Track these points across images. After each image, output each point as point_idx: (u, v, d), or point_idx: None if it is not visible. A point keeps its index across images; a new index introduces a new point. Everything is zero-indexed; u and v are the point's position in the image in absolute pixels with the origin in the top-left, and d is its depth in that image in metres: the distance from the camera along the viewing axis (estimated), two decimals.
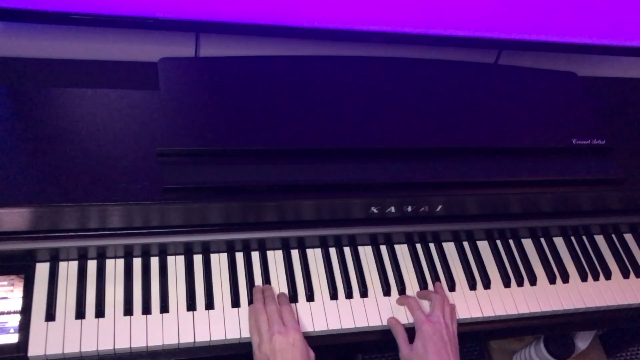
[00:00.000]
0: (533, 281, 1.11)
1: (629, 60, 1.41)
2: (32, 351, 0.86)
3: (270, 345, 0.87)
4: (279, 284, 1.01)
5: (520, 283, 1.10)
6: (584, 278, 1.13)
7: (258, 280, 1.00)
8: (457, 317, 1.02)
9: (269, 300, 0.96)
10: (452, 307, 1.01)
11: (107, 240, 0.94)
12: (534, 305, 1.07)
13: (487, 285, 1.08)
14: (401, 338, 0.97)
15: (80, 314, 0.91)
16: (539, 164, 1.08)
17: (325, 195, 0.97)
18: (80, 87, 1.01)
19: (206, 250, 1.01)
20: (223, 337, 0.93)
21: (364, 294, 1.02)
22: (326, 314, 0.99)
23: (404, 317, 1.01)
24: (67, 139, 0.93)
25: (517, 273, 1.11)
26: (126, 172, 0.91)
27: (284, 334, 0.88)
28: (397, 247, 1.10)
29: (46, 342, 0.87)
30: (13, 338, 0.87)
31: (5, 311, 0.89)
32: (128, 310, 0.93)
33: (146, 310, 0.93)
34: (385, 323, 1.00)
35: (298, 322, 0.94)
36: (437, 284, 1.06)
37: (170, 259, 1.00)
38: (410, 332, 0.97)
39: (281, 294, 0.99)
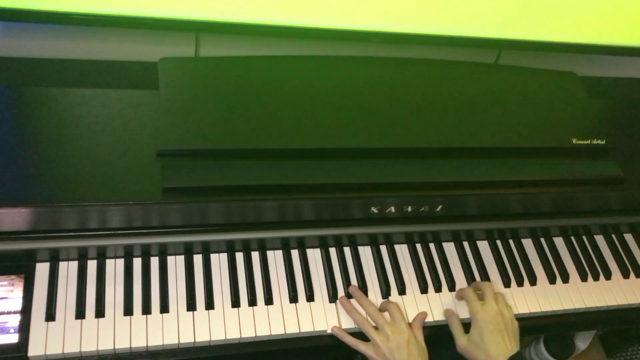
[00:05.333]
0: (533, 281, 1.11)
1: (629, 60, 1.41)
2: (32, 351, 0.86)
3: (387, 344, 0.91)
4: (279, 284, 1.01)
5: (520, 283, 1.10)
6: (584, 278, 1.13)
7: (258, 280, 1.00)
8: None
9: (365, 303, 0.97)
10: (503, 296, 1.02)
11: (107, 240, 0.94)
12: (534, 305, 1.07)
13: None
14: (456, 329, 0.98)
15: (80, 314, 0.91)
16: (539, 164, 1.08)
17: (325, 195, 0.97)
18: (80, 87, 1.01)
19: (206, 250, 1.01)
20: (223, 337, 0.93)
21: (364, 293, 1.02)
22: (326, 314, 0.99)
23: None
24: (67, 139, 0.93)
25: (517, 273, 1.11)
26: (126, 172, 0.91)
27: (397, 332, 0.92)
28: (397, 247, 1.10)
29: (46, 342, 0.87)
30: (13, 338, 0.87)
31: (5, 311, 0.89)
32: (128, 310, 0.92)
33: (146, 310, 0.93)
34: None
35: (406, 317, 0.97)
36: (474, 285, 1.06)
37: (170, 259, 1.00)
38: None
39: (394, 306, 0.99)
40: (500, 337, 0.94)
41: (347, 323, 0.98)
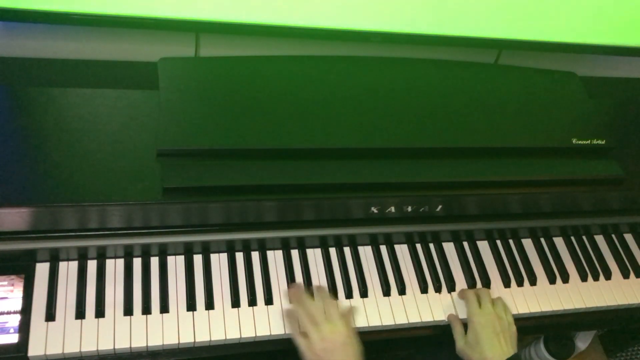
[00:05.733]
0: (533, 281, 1.11)
1: (629, 60, 1.41)
2: (32, 351, 0.86)
3: (322, 344, 0.88)
4: (279, 284, 1.01)
5: (520, 283, 1.10)
6: (584, 278, 1.13)
7: (258, 280, 1.00)
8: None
9: (302, 298, 0.96)
10: (502, 300, 1.03)
11: (107, 240, 0.94)
12: (534, 305, 1.07)
13: (487, 285, 1.08)
14: (457, 332, 0.99)
15: (80, 314, 0.91)
16: (539, 164, 1.08)
17: (325, 195, 0.97)
18: (80, 87, 1.01)
19: (206, 250, 1.01)
20: (223, 337, 0.93)
21: (364, 294, 1.02)
22: None
23: (404, 317, 1.01)
24: (67, 139, 0.93)
25: (517, 273, 1.11)
26: (126, 172, 0.91)
27: (334, 332, 0.89)
28: (397, 247, 1.10)
29: (46, 342, 0.88)
30: (13, 338, 0.87)
31: (5, 311, 0.89)
32: (128, 310, 0.92)
33: (146, 310, 0.93)
34: (385, 323, 1.00)
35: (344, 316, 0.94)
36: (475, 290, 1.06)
37: (170, 259, 1.00)
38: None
39: (320, 288, 0.98)
40: (496, 340, 0.94)
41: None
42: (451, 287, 1.06)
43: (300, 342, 0.91)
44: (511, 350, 0.95)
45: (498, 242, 1.15)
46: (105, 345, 0.89)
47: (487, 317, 0.97)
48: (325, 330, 0.89)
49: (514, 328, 0.99)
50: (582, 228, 1.20)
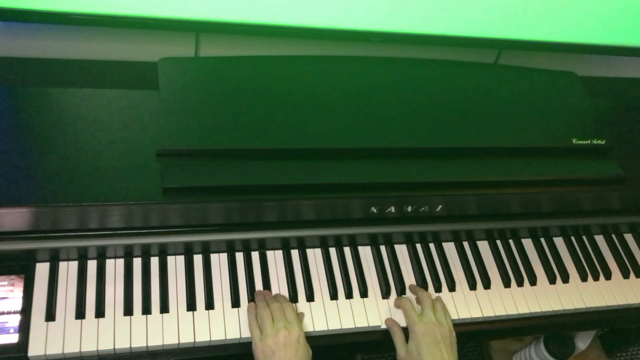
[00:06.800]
0: (533, 281, 1.11)
1: (629, 60, 1.41)
2: (32, 351, 0.87)
3: (275, 339, 0.89)
4: (279, 284, 1.01)
5: (520, 283, 1.10)
6: (584, 278, 1.13)
7: (258, 280, 1.00)
8: (458, 318, 1.03)
9: (271, 299, 0.96)
10: (442, 303, 1.01)
11: (107, 240, 0.94)
12: (534, 305, 1.07)
13: (487, 285, 1.08)
14: (398, 339, 0.97)
15: (80, 314, 0.91)
16: (539, 164, 1.08)
17: (325, 195, 0.97)
18: (80, 87, 1.01)
19: (206, 250, 1.01)
20: (223, 337, 0.93)
21: (364, 294, 1.02)
22: (326, 314, 0.99)
23: (403, 317, 1.01)
24: (67, 139, 0.93)
25: (517, 273, 1.11)
26: (126, 172, 0.91)
27: (289, 330, 0.90)
28: (397, 247, 1.10)
29: (46, 342, 0.88)
30: (13, 338, 0.87)
31: (5, 311, 0.89)
32: (128, 310, 0.93)
33: (146, 310, 0.93)
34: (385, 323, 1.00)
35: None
36: (411, 286, 1.06)
37: (170, 259, 1.00)
38: (406, 332, 0.97)
39: (280, 295, 1.00)
40: (437, 350, 0.92)
41: (348, 322, 0.99)
42: (451, 287, 1.06)
43: (255, 334, 0.91)
44: (452, 358, 0.93)
45: (498, 242, 1.15)
46: (105, 346, 0.89)
47: (428, 326, 0.94)
48: (281, 326, 0.90)
49: (454, 334, 0.97)
50: (582, 228, 1.20)
